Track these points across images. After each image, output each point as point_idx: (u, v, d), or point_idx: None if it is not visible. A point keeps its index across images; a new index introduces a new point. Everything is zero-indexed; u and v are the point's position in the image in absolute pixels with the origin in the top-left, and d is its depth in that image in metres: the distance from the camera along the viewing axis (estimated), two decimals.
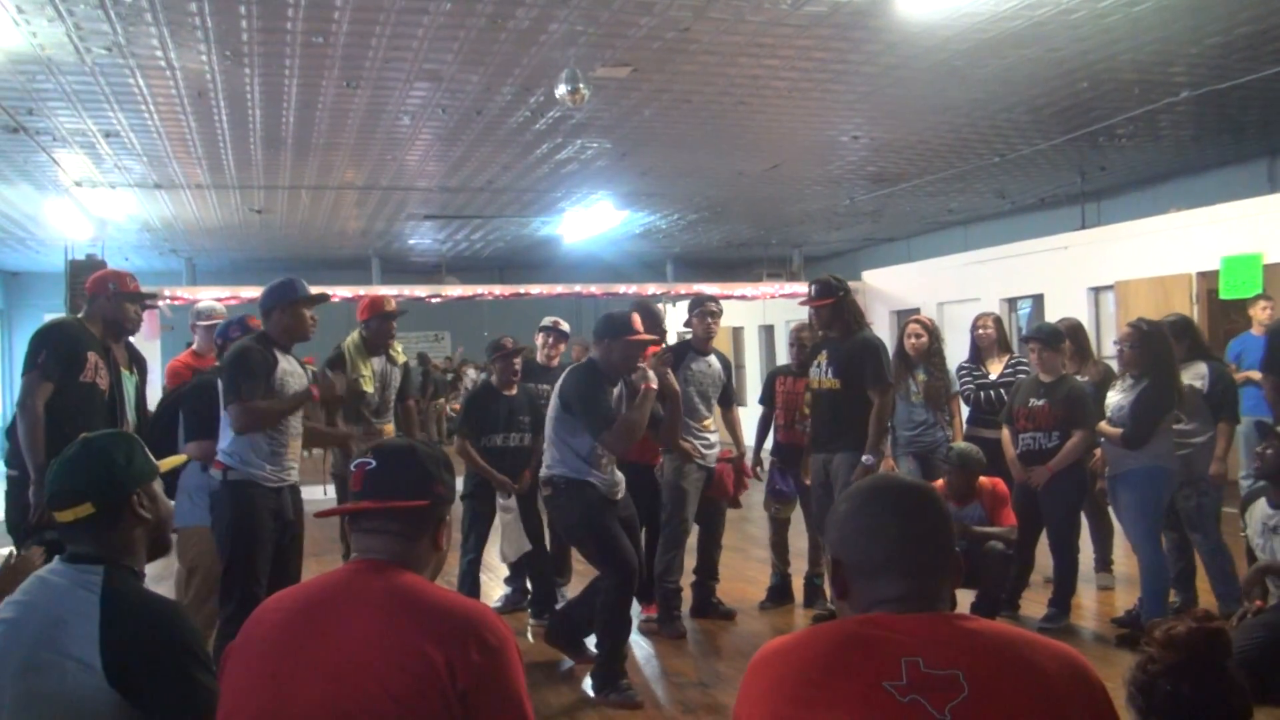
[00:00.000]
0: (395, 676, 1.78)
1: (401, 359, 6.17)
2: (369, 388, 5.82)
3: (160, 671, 2.00)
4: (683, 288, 16.36)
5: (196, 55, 7.06)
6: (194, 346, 6.20)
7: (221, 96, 8.04)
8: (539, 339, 6.53)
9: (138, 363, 5.59)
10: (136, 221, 13.60)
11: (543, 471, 5.00)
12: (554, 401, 4.96)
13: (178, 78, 7.55)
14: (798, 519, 6.54)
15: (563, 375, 5.01)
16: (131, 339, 5.48)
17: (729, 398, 6.32)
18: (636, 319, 4.97)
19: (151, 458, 2.30)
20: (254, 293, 13.50)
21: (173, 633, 2.05)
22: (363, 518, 2.01)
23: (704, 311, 6.04)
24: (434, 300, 15.56)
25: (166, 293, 13.11)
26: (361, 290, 14.82)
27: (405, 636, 1.81)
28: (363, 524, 2.01)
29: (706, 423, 5.97)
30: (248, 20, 6.42)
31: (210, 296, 11.20)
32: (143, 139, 9.35)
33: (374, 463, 2.03)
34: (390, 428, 6.06)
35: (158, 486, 2.29)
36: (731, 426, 6.41)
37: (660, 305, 16.09)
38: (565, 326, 6.60)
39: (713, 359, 6.05)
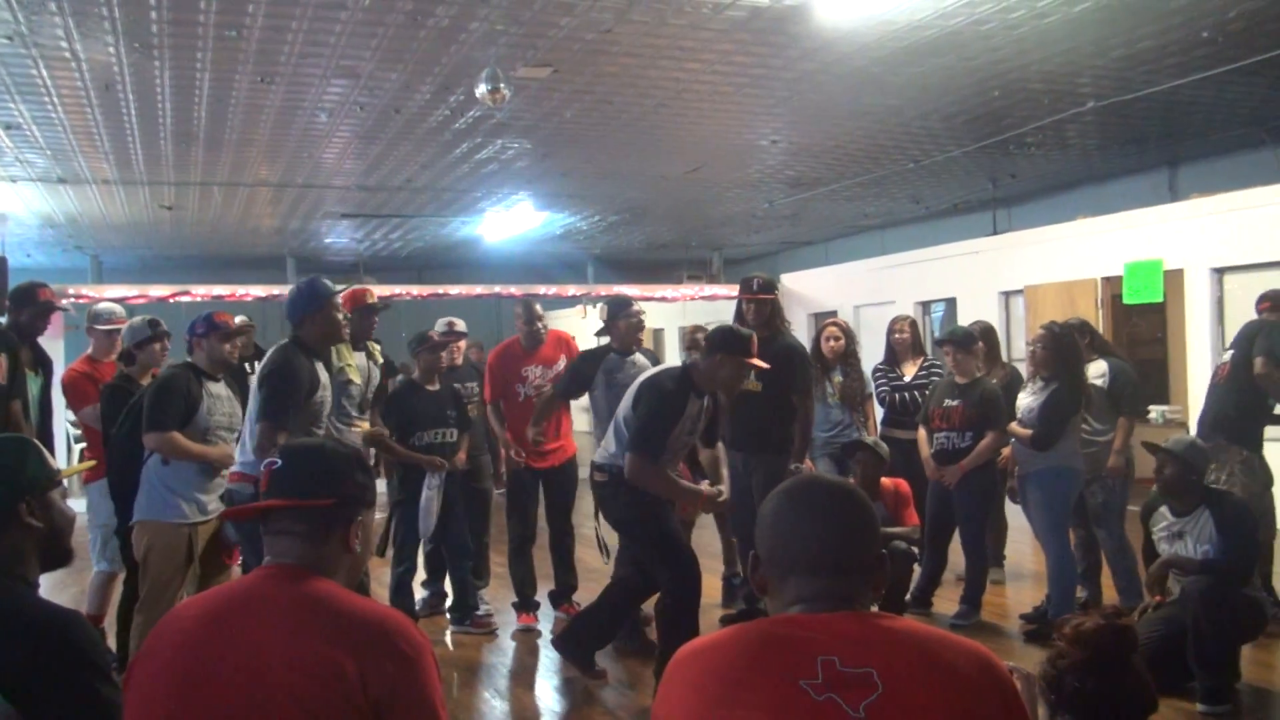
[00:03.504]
0: (305, 686, 1.74)
1: (380, 358, 5.88)
2: (357, 378, 5.64)
3: (58, 684, 1.93)
4: (604, 289, 16.34)
5: (103, 46, 6.85)
6: (89, 352, 5.95)
7: (130, 89, 7.81)
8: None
9: (43, 364, 5.40)
10: (38, 217, 13.14)
11: (599, 457, 4.77)
12: (632, 395, 4.71)
13: (83, 69, 7.31)
14: (707, 520, 6.57)
15: (649, 376, 4.77)
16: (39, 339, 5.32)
17: None
18: (755, 342, 4.65)
19: (50, 464, 2.22)
20: (163, 291, 13.29)
21: (70, 644, 1.98)
22: (272, 519, 1.97)
23: (633, 313, 5.89)
24: None
25: (70, 291, 12.69)
26: (276, 290, 14.54)
27: (315, 645, 1.78)
28: (272, 525, 1.97)
29: None
30: (158, 11, 6.24)
31: (118, 295, 10.91)
32: (46, 132, 9.04)
33: (280, 462, 2.00)
34: (366, 424, 5.86)
35: (58, 495, 2.21)
36: None
37: (582, 306, 16.16)
38: (461, 325, 6.55)
39: (638, 357, 5.92)
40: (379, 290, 15.34)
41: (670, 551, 4.61)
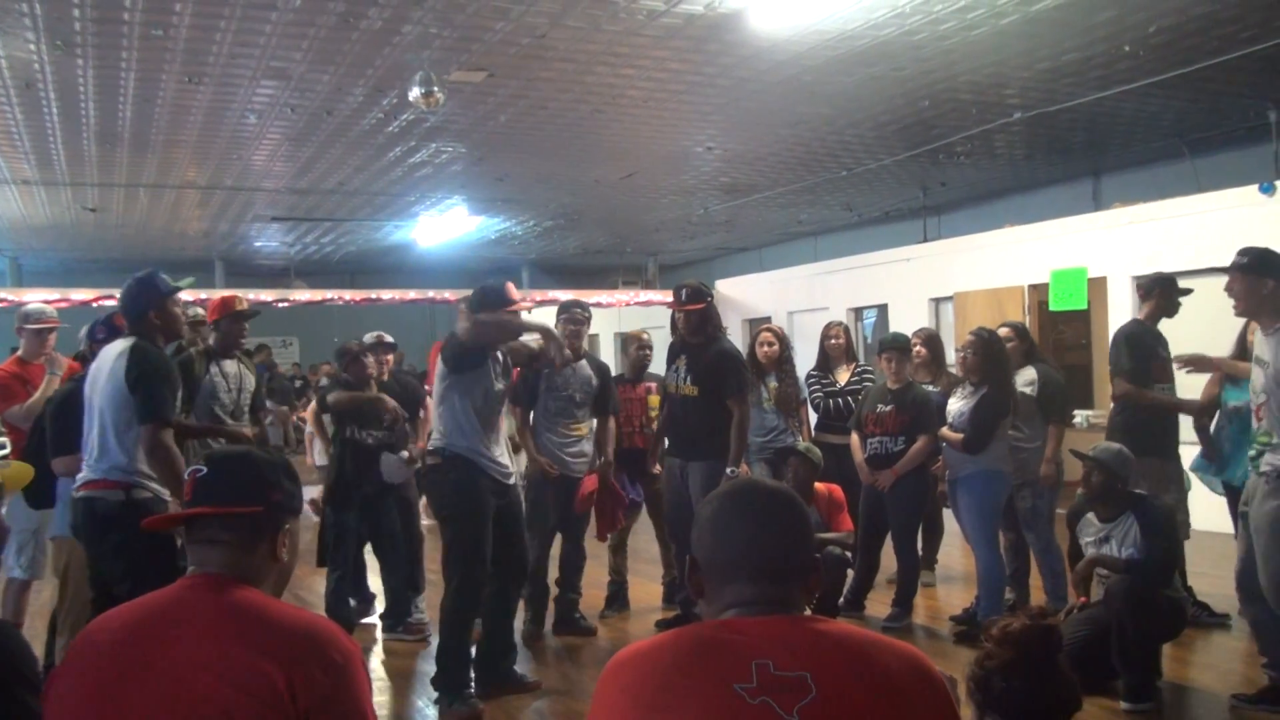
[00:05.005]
0: (232, 698, 1.70)
1: (254, 362, 5.80)
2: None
3: None
4: (539, 294, 16.27)
5: (24, 44, 6.66)
6: (20, 352, 5.82)
7: (51, 88, 7.61)
8: (369, 360, 6.22)
9: None
10: None
11: (432, 442, 4.95)
12: (441, 368, 4.90)
13: (2, 67, 7.11)
14: (644, 526, 6.58)
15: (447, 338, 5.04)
16: None
17: (604, 405, 6.07)
18: (511, 289, 5.01)
19: None
20: (85, 295, 12.95)
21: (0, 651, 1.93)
22: (196, 527, 1.92)
23: (569, 318, 5.95)
24: (281, 305, 15.10)
25: None
26: (204, 294, 14.25)
27: (243, 656, 1.74)
28: (196, 534, 1.92)
29: (578, 429, 5.94)
30: (80, 9, 6.10)
31: (38, 299, 10.59)
32: None
33: (205, 469, 1.96)
34: (248, 430, 5.78)
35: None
36: (601, 435, 6.11)
37: None
38: (389, 339, 6.52)
39: (582, 364, 5.94)
40: (311, 295, 15.21)
41: (471, 560, 4.72)
